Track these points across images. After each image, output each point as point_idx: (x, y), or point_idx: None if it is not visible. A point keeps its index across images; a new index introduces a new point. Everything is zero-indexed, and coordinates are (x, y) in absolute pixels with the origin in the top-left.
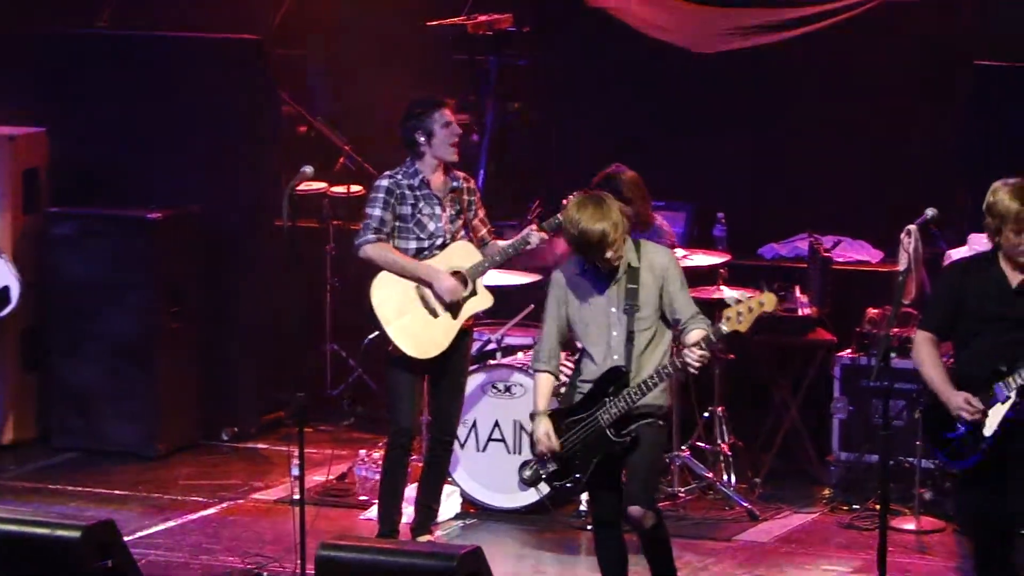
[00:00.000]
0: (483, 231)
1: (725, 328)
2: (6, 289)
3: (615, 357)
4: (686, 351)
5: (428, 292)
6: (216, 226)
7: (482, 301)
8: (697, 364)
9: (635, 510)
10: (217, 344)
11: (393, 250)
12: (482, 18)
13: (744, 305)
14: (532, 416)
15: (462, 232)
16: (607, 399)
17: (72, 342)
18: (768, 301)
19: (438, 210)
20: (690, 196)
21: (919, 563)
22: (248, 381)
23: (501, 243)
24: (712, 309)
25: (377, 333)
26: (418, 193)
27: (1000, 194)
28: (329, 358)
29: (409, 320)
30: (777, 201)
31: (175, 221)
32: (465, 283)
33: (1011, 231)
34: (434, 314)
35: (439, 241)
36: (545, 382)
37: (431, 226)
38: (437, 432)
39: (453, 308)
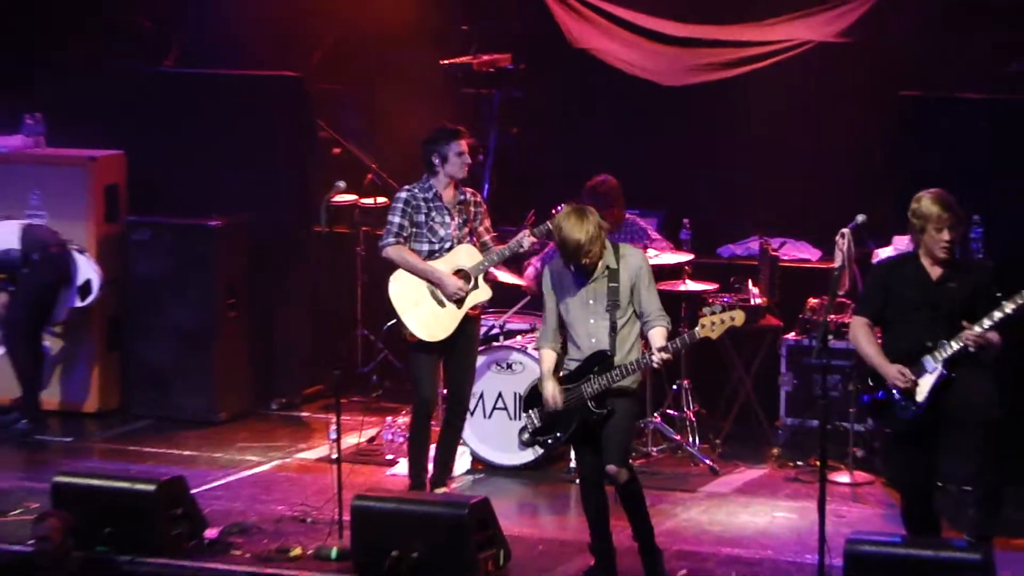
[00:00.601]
0: (487, 237)
1: (700, 333)
2: (88, 282)
3: (593, 341)
4: (653, 354)
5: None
6: (265, 232)
7: (482, 293)
8: (659, 366)
9: (611, 468)
10: (267, 330)
11: (409, 252)
12: (485, 57)
13: (718, 317)
14: (540, 381)
15: (468, 237)
16: (592, 375)
17: (147, 328)
18: (739, 317)
19: (448, 219)
20: (661, 205)
21: (853, 510)
22: (293, 360)
23: (499, 247)
24: (680, 301)
25: (394, 321)
26: (431, 205)
27: (924, 200)
28: (360, 341)
29: (421, 310)
30: (733, 209)
31: (231, 228)
32: (468, 279)
33: (933, 229)
34: (441, 304)
35: (447, 245)
36: (549, 357)
37: (441, 232)
38: (452, 402)
39: (457, 299)
